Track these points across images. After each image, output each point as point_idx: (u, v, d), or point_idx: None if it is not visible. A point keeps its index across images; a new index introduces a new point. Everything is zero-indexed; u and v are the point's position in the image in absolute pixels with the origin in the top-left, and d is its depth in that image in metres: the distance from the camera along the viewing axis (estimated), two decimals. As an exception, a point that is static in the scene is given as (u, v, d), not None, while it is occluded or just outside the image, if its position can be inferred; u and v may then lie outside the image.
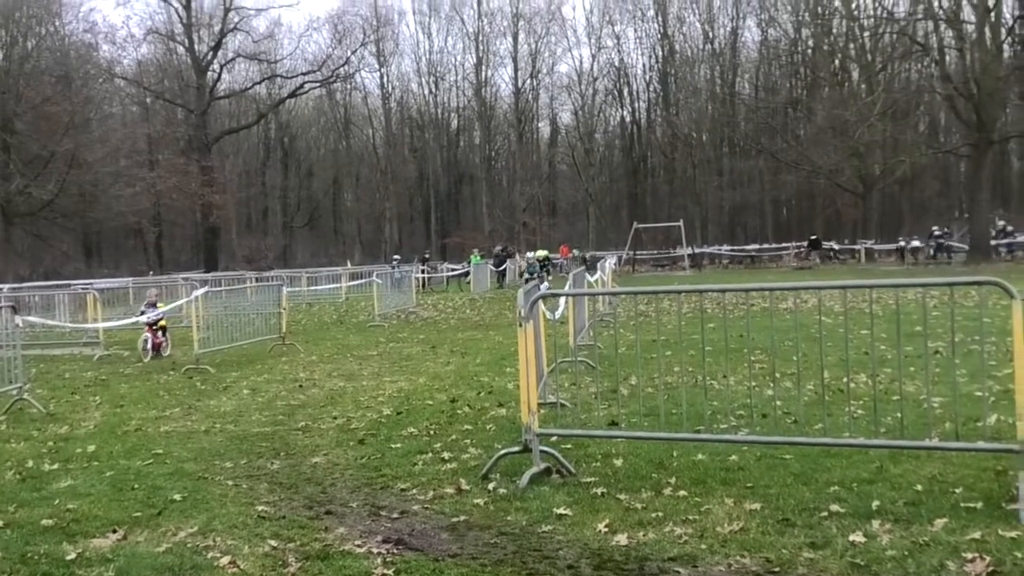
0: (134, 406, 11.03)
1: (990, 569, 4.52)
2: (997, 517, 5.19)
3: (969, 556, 4.64)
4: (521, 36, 69.16)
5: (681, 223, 49.24)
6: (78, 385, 13.33)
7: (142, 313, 16.92)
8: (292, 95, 69.20)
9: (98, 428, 9.57)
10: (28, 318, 15.69)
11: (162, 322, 16.78)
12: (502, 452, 6.87)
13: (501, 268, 38.26)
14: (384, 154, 72.97)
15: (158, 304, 17.24)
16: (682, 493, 6.03)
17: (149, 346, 16.30)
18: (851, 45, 56.42)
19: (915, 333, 12.51)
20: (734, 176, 63.94)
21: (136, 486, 6.91)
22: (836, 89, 56.01)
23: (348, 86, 72.75)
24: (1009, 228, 44.82)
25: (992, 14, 42.21)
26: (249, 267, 50.22)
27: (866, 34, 52.90)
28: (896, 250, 46.63)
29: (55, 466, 7.72)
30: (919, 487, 5.82)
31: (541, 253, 38.75)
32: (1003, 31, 45.24)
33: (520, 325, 6.75)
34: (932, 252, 43.65)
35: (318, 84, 68.86)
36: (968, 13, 43.41)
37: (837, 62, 58.17)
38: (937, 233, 44.13)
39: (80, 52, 57.96)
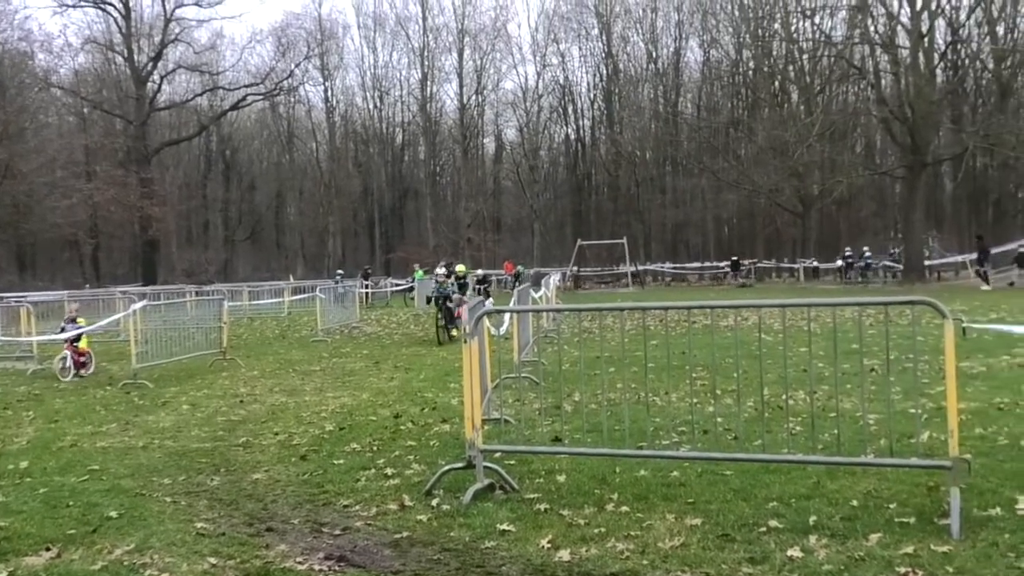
0: (69, 421, 10.80)
1: (923, 582, 4.64)
2: (930, 532, 5.32)
3: (902, 571, 4.75)
4: (467, 52, 69.33)
5: (624, 241, 49.68)
6: (10, 400, 13.01)
7: (61, 330, 16.09)
8: (234, 107, 68.46)
9: (31, 444, 9.35)
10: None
11: (84, 340, 15.98)
12: (445, 468, 6.86)
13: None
14: (328, 168, 72.46)
15: (78, 320, 16.38)
16: (624, 509, 6.07)
17: (69, 364, 15.43)
18: (791, 67, 57.60)
19: (852, 351, 12.77)
20: (677, 194, 64.69)
21: (71, 503, 6.76)
22: (776, 110, 57.10)
23: (292, 99, 72.19)
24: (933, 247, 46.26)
25: (925, 40, 43.47)
26: (189, 281, 49.44)
27: (805, 56, 54.09)
28: (838, 269, 47.61)
29: (-15, 484, 7.52)
30: (855, 502, 5.93)
31: (460, 268, 31.95)
32: (936, 56, 46.61)
33: (465, 341, 6.76)
34: (861, 272, 44.81)
35: (261, 97, 68.22)
36: (903, 38, 44.65)
37: (777, 84, 59.33)
38: (867, 253, 45.23)
39: (15, 60, 56.69)
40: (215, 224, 73.82)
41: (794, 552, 4.96)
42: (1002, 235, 45.50)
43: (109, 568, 5.27)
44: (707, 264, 56.62)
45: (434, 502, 6.41)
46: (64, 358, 15.54)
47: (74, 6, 62.02)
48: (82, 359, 15.73)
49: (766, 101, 59.26)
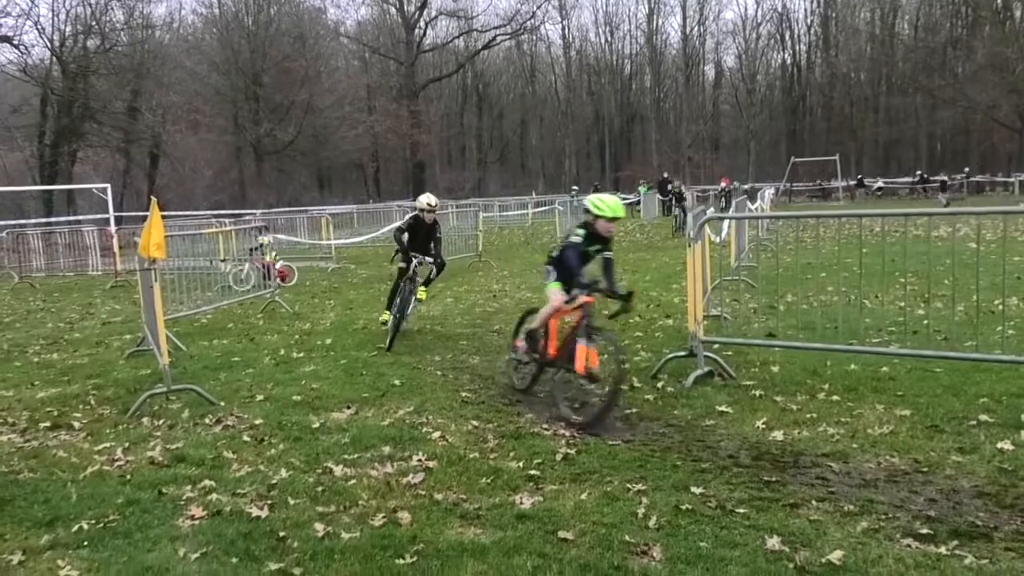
0: (361, 309, 11.62)
1: None
2: None
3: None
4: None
5: (837, 157, 46.37)
6: (316, 291, 14.13)
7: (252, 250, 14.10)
8: (486, 47, 69.34)
9: (333, 325, 10.16)
10: (277, 236, 16.71)
11: (270, 255, 13.79)
12: (669, 356, 6.82)
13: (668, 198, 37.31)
14: (564, 97, 72.33)
15: (264, 244, 14.07)
16: (835, 398, 5.81)
17: (248, 274, 13.61)
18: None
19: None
20: (890, 113, 59.29)
21: (364, 373, 7.33)
22: (998, 27, 50.54)
23: (534, 37, 72.17)
24: None
25: None
26: (450, 196, 51.40)
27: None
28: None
29: (301, 355, 8.29)
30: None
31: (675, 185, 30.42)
32: None
33: (689, 245, 6.61)
34: None
35: (508, 36, 68.67)
36: None
37: (1000, 0, 52.35)
38: None
39: (312, 15, 59.99)
40: (470, 148, 75.89)
41: (1004, 445, 4.57)
42: None
43: (395, 424, 5.69)
44: (917, 179, 51.85)
45: (659, 384, 6.41)
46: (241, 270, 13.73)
47: (355, -33, 64.53)
48: (283, 271, 14.27)
49: (987, 18, 52.47)
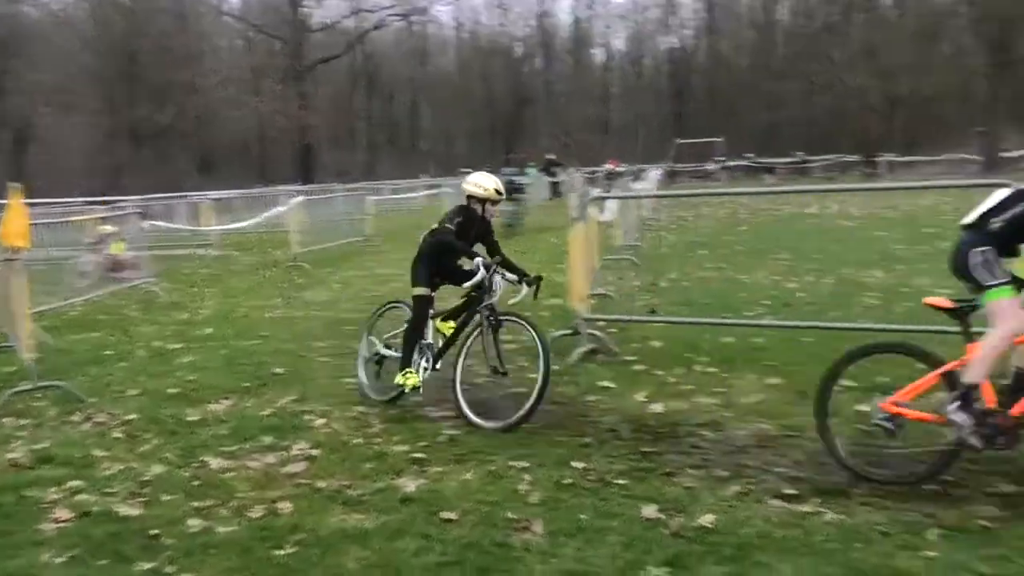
0: (243, 297, 11.30)
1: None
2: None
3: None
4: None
5: (718, 140, 48.00)
6: (195, 280, 13.65)
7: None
8: (376, 27, 68.35)
9: (213, 315, 9.85)
10: (154, 223, 16.05)
11: (115, 246, 12.35)
12: (555, 334, 6.92)
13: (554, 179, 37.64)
14: (456, 79, 72.18)
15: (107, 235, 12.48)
16: (711, 370, 6.03)
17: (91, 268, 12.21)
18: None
19: (929, 235, 12.17)
20: (771, 97, 61.70)
21: (245, 362, 7.14)
22: (869, 14, 53.25)
23: (425, 18, 71.63)
24: None
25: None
26: (339, 180, 50.54)
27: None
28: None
29: (179, 346, 7.99)
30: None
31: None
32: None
33: (572, 224, 6.71)
34: None
35: (399, 17, 67.86)
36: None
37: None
38: None
39: (192, -8, 57.78)
40: (360, 131, 74.80)
41: (863, 407, 4.82)
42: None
43: (277, 413, 5.58)
44: (796, 160, 54.08)
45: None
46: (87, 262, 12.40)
47: (236, -60, 62.27)
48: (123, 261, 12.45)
49: (859, 5, 55.20)
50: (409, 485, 4.18)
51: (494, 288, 5.44)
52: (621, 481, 4.11)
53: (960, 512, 3.58)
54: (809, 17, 61.20)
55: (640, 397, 5.48)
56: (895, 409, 3.97)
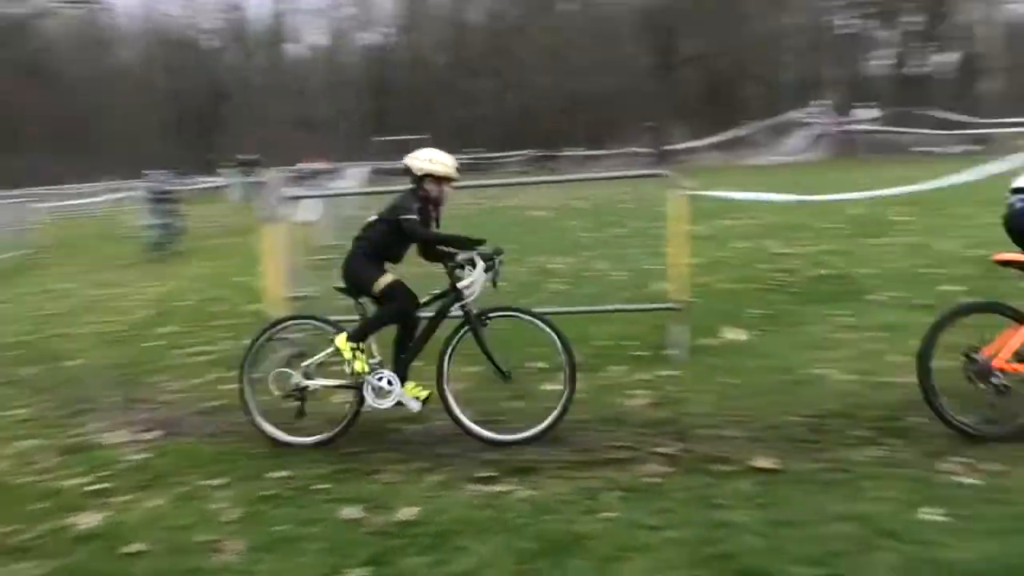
0: None
1: (651, 400, 4.98)
2: (661, 361, 5.70)
3: (638, 392, 5.09)
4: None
5: (424, 137, 48.95)
6: None
7: None
8: (38, 16, 61.26)
9: None
10: None
11: None
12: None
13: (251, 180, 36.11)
14: (142, 73, 66.75)
15: None
16: (417, 364, 6.09)
17: None
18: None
19: (610, 222, 13.33)
20: (467, 96, 64.04)
21: None
22: (551, 15, 57.18)
23: (98, 5, 65.42)
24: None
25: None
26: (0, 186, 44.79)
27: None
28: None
29: None
30: (606, 343, 6.23)
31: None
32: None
33: (264, 226, 6.48)
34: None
35: (68, 4, 61.33)
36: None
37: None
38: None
39: None
40: (31, 131, 66.74)
41: (552, 386, 5.15)
42: (730, 123, 48.01)
43: (-74, 457, 4.81)
44: (495, 155, 56.72)
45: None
46: None
47: None
48: None
49: (543, 8, 59.02)
50: (88, 521, 3.80)
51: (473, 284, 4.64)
52: (324, 486, 4.05)
53: (633, 474, 3.94)
54: (500, 18, 64.32)
55: (343, 398, 5.42)
56: (1011, 366, 4.02)
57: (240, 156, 37.20)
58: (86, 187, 37.30)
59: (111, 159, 65.49)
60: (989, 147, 26.61)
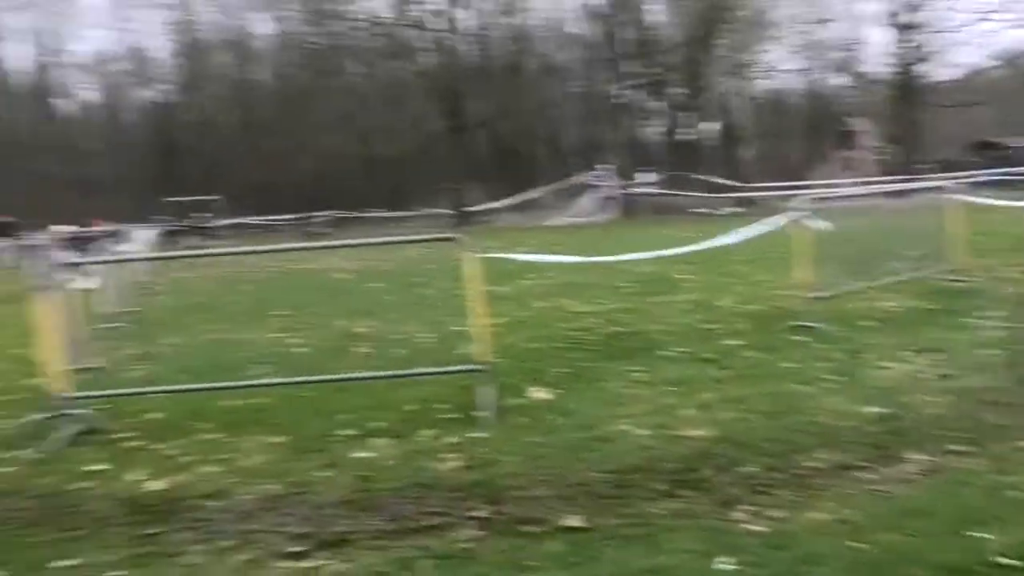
0: None
1: (462, 464, 5.06)
2: (470, 423, 5.80)
3: (449, 456, 5.16)
4: (35, 12, 60.34)
5: (215, 198, 47.16)
6: None
7: None
8: None
9: None
10: None
11: None
12: (31, 419, 6.11)
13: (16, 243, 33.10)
14: None
15: None
16: (216, 436, 5.84)
17: None
18: (349, 42, 57.91)
19: (415, 283, 13.46)
20: (260, 156, 62.48)
21: None
22: (339, 78, 57.43)
23: None
24: None
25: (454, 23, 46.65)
26: None
27: (360, 34, 54.84)
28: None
29: None
30: (414, 407, 6.25)
31: None
32: (464, 38, 50.38)
33: (38, 294, 6.04)
34: None
35: None
36: (437, 23, 47.72)
37: (339, 57, 59.45)
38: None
39: None
40: None
41: (361, 453, 5.13)
42: (522, 185, 50.20)
43: None
44: (299, 217, 55.62)
45: (21, 454, 5.68)
46: None
47: None
48: None
49: (332, 72, 59.11)
50: None
51: None
52: (119, 572, 3.78)
53: (447, 540, 3.98)
54: (288, 79, 63.69)
55: (138, 476, 5.09)
56: None
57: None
58: None
59: None
60: (751, 209, 29.43)
